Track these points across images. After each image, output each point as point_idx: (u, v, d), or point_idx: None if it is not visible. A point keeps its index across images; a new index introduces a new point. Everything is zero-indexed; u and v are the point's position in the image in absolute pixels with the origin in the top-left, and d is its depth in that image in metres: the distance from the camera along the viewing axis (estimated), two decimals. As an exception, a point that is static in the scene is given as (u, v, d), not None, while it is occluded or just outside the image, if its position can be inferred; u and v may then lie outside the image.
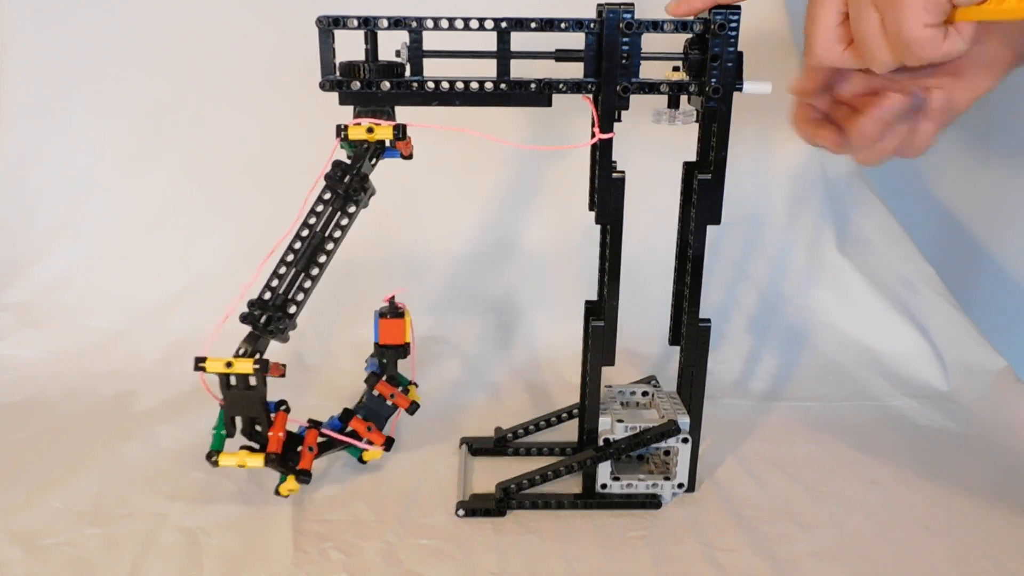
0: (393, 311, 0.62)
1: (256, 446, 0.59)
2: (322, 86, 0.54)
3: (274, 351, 0.58)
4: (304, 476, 0.59)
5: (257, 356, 0.56)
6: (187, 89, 0.93)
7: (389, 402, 0.63)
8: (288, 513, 0.61)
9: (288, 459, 0.60)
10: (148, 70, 0.92)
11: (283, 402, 0.61)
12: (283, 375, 0.58)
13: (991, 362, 0.86)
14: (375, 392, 0.63)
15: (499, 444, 0.70)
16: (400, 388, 0.64)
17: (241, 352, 0.56)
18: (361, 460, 0.65)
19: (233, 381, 0.57)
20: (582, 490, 0.63)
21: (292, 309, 0.56)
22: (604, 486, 0.62)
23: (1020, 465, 0.70)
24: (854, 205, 0.99)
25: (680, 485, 0.63)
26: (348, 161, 0.56)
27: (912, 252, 0.97)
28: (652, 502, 0.62)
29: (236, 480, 0.64)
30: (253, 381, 0.57)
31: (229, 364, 0.56)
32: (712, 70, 0.53)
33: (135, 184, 0.94)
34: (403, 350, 0.63)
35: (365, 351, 0.65)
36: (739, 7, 0.52)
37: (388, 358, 0.63)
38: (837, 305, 0.94)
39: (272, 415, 0.59)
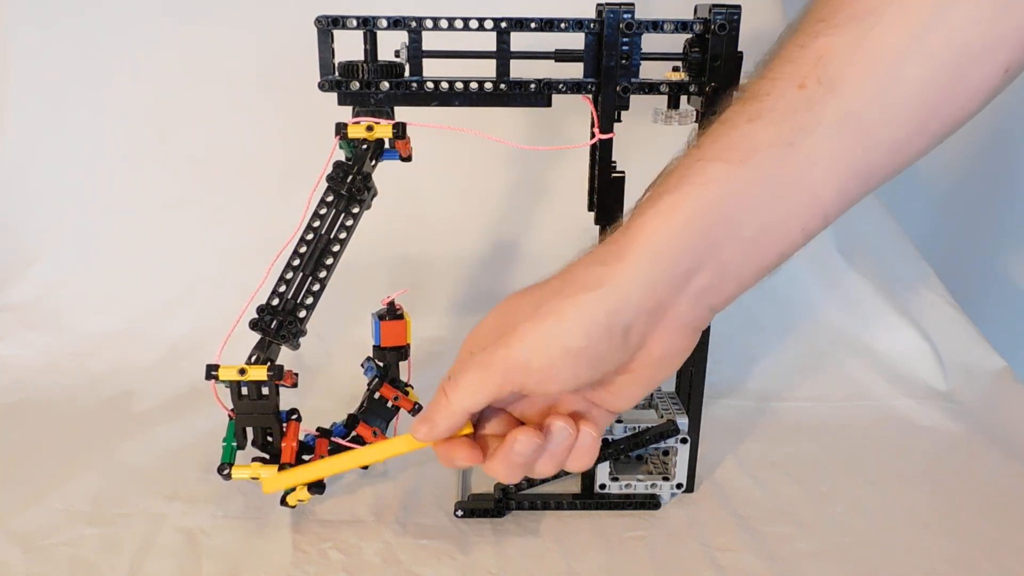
0: (392, 313, 0.61)
1: (267, 457, 0.58)
2: (321, 86, 0.54)
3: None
4: (318, 487, 0.58)
5: (270, 363, 0.55)
6: (186, 89, 0.93)
7: (391, 404, 0.63)
8: (287, 513, 0.61)
9: None
10: (147, 71, 0.92)
11: (294, 411, 0.60)
12: (295, 384, 0.57)
13: (990, 362, 0.86)
14: (377, 395, 0.62)
15: (499, 444, 0.70)
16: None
17: (253, 359, 0.55)
18: (363, 466, 0.65)
19: (244, 391, 0.56)
20: (581, 490, 0.63)
21: (302, 314, 0.56)
22: (603, 486, 0.62)
23: (1020, 465, 0.70)
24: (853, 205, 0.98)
25: (679, 485, 0.63)
26: (348, 162, 0.55)
27: (912, 252, 0.97)
28: (651, 502, 0.62)
29: (235, 481, 0.64)
30: (266, 390, 0.56)
31: (242, 371, 0.54)
32: (712, 70, 0.53)
33: (135, 184, 0.94)
34: (404, 352, 0.63)
35: (365, 352, 0.65)
36: (739, 6, 0.52)
37: (389, 360, 0.63)
38: (836, 305, 0.94)
39: (284, 424, 0.58)
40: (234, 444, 0.58)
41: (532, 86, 0.54)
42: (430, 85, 0.54)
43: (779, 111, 0.39)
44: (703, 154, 0.40)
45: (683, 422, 0.61)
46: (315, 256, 0.55)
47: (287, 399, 0.61)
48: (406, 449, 0.48)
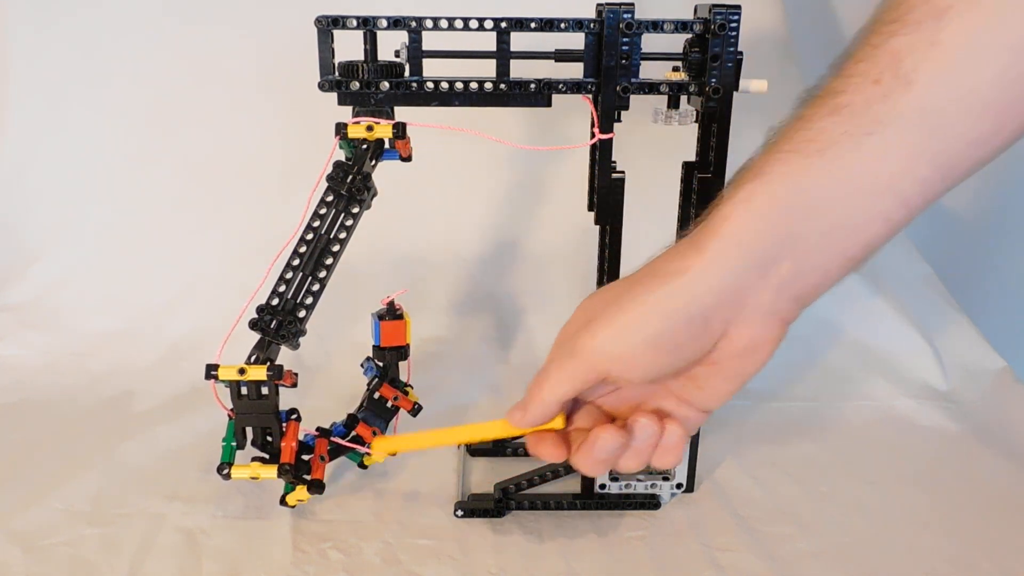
0: (392, 313, 0.61)
1: (267, 456, 0.58)
2: (321, 86, 0.54)
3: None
4: (318, 487, 0.58)
5: (270, 363, 0.55)
6: (186, 89, 0.93)
7: (391, 404, 0.63)
8: (287, 513, 0.61)
9: (298, 469, 0.59)
10: (147, 71, 0.92)
11: (294, 411, 0.60)
12: (295, 384, 0.57)
13: (990, 362, 0.86)
14: (376, 395, 0.62)
15: (498, 444, 0.70)
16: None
17: (253, 359, 0.55)
18: (362, 465, 0.65)
19: (244, 390, 0.56)
20: (581, 490, 0.63)
21: (302, 313, 0.56)
22: (603, 486, 0.62)
23: (1020, 465, 0.70)
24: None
25: (679, 485, 0.63)
26: (348, 162, 0.55)
27: (912, 252, 0.97)
28: (651, 502, 0.62)
29: (235, 480, 0.64)
30: (266, 390, 0.56)
31: (242, 371, 0.54)
32: (712, 70, 0.53)
33: (135, 184, 0.94)
34: (403, 352, 0.63)
35: (365, 352, 0.65)
36: (739, 6, 0.52)
37: (389, 360, 0.63)
38: (836, 305, 0.94)
39: (283, 424, 0.58)
40: (234, 444, 0.57)
41: (532, 86, 0.54)
42: (430, 85, 0.54)
43: (856, 105, 0.39)
44: (781, 146, 0.40)
45: (683, 422, 0.61)
46: (315, 256, 0.55)
47: (287, 399, 0.61)
48: (502, 434, 0.49)
